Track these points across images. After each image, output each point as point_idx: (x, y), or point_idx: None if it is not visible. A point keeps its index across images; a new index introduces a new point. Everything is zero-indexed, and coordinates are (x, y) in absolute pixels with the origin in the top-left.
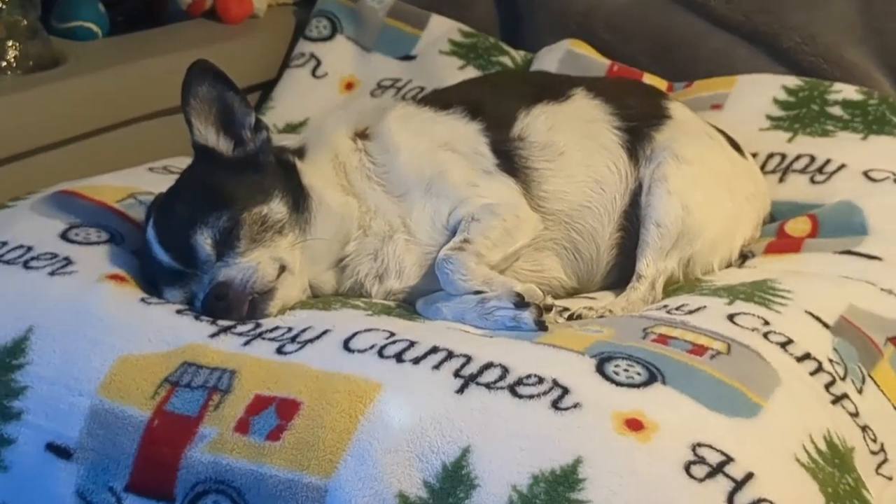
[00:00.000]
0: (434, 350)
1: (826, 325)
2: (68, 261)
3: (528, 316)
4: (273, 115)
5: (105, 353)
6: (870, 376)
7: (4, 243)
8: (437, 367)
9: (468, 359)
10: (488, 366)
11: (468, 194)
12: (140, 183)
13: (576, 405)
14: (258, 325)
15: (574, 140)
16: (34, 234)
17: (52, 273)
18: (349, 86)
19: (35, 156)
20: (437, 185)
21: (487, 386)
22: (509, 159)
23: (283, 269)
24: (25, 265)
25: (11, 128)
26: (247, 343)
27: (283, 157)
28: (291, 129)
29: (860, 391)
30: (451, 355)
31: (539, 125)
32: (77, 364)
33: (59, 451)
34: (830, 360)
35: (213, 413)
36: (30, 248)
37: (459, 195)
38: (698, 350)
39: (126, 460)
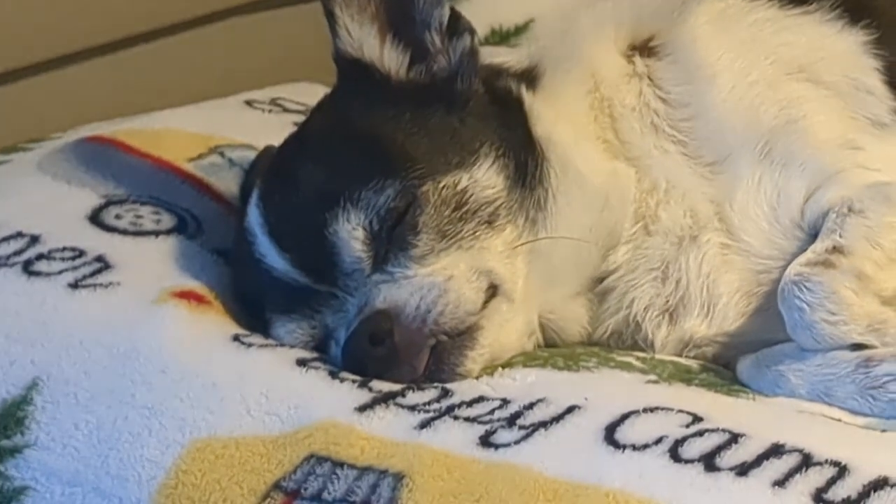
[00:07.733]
0: (776, 451)
1: None
2: (103, 263)
3: None
4: (470, 9)
5: (168, 434)
6: None
7: None
8: (781, 482)
9: (842, 471)
10: (878, 486)
11: (843, 163)
12: (231, 126)
13: None
14: (447, 393)
15: None
16: (43, 213)
17: (76, 285)
18: None
19: (48, 72)
20: (783, 145)
21: None
22: None
23: (493, 290)
24: (27, 269)
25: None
26: (426, 424)
27: (500, 85)
28: (503, 38)
29: None
30: (808, 462)
31: None
32: (117, 451)
33: None
34: None
35: None
36: (35, 239)
37: (826, 164)
38: None
39: None
